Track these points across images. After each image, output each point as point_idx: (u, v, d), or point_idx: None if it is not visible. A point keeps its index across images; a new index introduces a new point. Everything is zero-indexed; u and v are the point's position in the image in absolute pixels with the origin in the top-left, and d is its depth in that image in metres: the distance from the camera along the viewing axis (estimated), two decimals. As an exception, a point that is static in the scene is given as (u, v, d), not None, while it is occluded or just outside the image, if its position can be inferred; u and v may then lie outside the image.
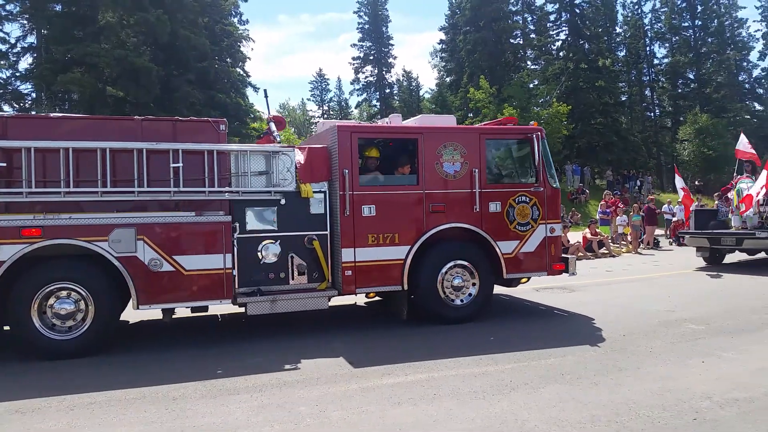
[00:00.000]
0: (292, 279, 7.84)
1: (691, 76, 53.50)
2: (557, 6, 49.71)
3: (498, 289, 9.64)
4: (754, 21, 57.19)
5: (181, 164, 7.22)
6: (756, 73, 56.62)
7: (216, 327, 9.01)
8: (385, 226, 8.15)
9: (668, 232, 24.19)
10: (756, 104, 56.15)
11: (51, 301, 6.92)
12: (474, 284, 8.63)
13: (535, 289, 10.98)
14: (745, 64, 55.10)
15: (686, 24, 53.45)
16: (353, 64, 62.92)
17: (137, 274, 7.01)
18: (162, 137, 7.32)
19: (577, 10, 48.90)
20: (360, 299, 9.89)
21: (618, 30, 55.41)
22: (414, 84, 66.51)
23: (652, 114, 57.37)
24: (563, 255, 9.48)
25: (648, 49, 55.88)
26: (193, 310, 7.87)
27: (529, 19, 54.23)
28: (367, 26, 61.82)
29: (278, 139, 9.01)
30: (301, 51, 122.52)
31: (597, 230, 19.29)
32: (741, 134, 16.93)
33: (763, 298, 10.35)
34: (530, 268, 8.91)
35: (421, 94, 65.19)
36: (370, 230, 8.09)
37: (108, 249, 6.92)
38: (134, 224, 7.04)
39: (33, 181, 6.75)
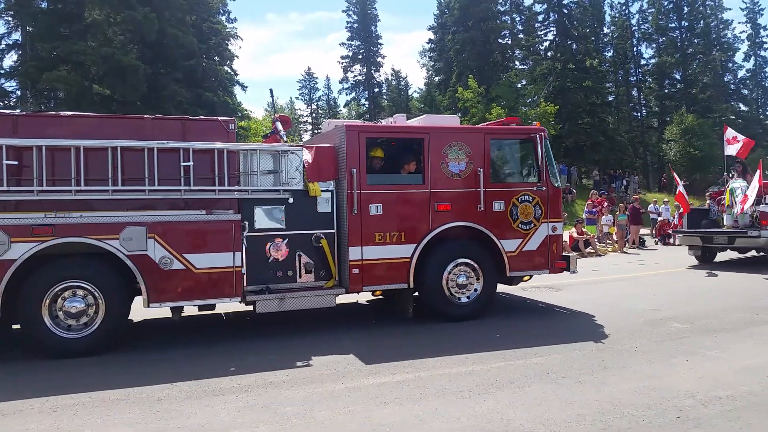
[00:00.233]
0: (300, 277, 7.90)
1: (678, 77, 54.00)
2: (545, 6, 49.94)
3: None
4: (739, 22, 57.88)
5: (191, 163, 7.23)
6: (741, 74, 57.49)
7: (214, 326, 8.90)
8: (391, 225, 8.23)
9: (653, 232, 24.39)
10: (741, 105, 56.89)
11: (62, 299, 6.88)
12: (478, 282, 8.70)
13: (522, 288, 11.00)
14: (730, 65, 55.82)
15: (673, 25, 53.92)
16: (342, 63, 62.88)
17: (148, 273, 7.00)
18: (171, 136, 7.31)
19: (565, 11, 49.21)
20: (362, 297, 9.90)
21: (605, 30, 55.80)
22: (403, 83, 66.60)
23: (639, 114, 57.84)
24: (564, 253, 9.60)
25: (635, 49, 56.34)
26: (201, 308, 7.87)
27: (518, 19, 54.52)
28: (356, 25, 61.73)
29: (285, 138, 9.05)
30: (290, 50, 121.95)
31: (583, 230, 19.40)
32: (726, 130, 17.14)
33: (748, 297, 10.46)
34: (533, 266, 9.00)
35: (409, 93, 65.26)
36: (377, 229, 8.15)
37: (119, 247, 6.91)
38: (145, 222, 7.02)
39: (44, 180, 6.72)
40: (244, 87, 47.20)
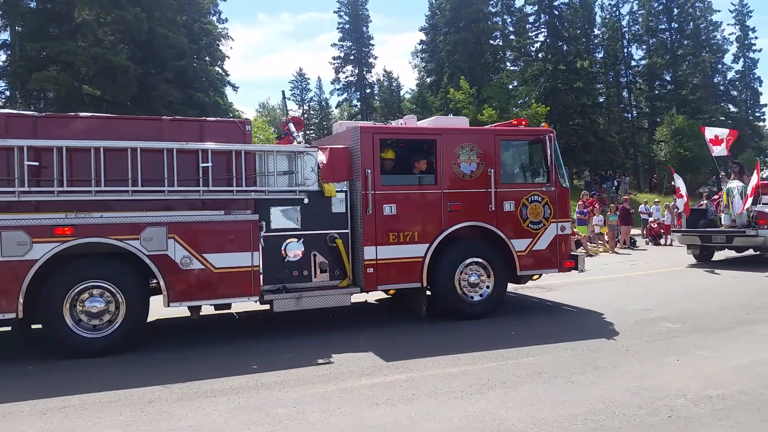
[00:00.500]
0: (315, 277, 8.02)
1: (668, 78, 54.30)
2: (536, 8, 50.08)
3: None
4: (728, 24, 58.21)
5: (210, 164, 7.31)
6: (730, 75, 57.84)
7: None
8: (405, 225, 8.35)
9: (644, 232, 24.51)
10: (731, 106, 57.25)
11: (82, 299, 6.94)
12: (489, 281, 8.83)
13: (513, 288, 11.03)
14: (720, 66, 56.15)
15: (663, 26, 54.20)
16: (334, 64, 62.70)
17: (168, 272, 7.08)
18: (189, 137, 7.42)
19: (556, 12, 49.36)
20: (371, 297, 10.04)
21: (596, 32, 56.02)
22: (395, 84, 66.47)
23: (630, 115, 58.11)
24: (572, 252, 9.73)
25: (625, 50, 56.59)
26: (217, 307, 7.94)
27: (509, 20, 54.63)
28: (347, 26, 61.64)
29: (298, 139, 9.15)
30: (281, 50, 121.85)
31: (574, 230, 19.44)
32: (704, 131, 17.41)
33: (738, 296, 10.55)
34: (542, 265, 9.16)
35: (401, 94, 65.20)
36: (390, 229, 8.27)
37: (140, 247, 6.97)
38: (166, 222, 7.10)
39: (64, 180, 6.77)
40: (235, 87, 47.05)
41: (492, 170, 8.75)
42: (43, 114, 7.33)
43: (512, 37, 53.37)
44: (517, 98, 44.81)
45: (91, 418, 5.04)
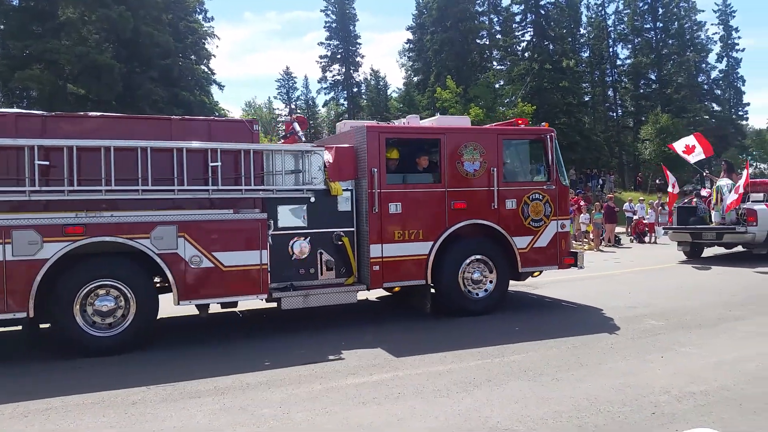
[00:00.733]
0: (321, 274, 8.08)
1: (653, 77, 54.83)
2: (523, 7, 50.32)
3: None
4: (712, 24, 58.81)
5: (219, 163, 7.33)
6: (714, 74, 58.49)
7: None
8: (410, 223, 8.42)
9: (629, 230, 24.69)
10: (714, 105, 57.89)
11: (93, 298, 6.94)
12: (492, 278, 8.93)
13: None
14: (704, 65, 56.76)
15: (648, 26, 54.77)
16: (320, 63, 62.40)
17: (178, 271, 7.11)
18: (197, 136, 7.41)
19: (543, 12, 49.66)
20: (372, 294, 10.11)
21: (582, 31, 56.49)
22: (382, 83, 66.42)
23: (615, 114, 58.63)
24: (572, 249, 9.85)
25: (611, 50, 57.12)
26: (223, 305, 7.96)
27: (495, 19, 54.80)
28: (334, 25, 61.42)
29: (303, 139, 9.22)
30: (268, 49, 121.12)
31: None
32: (673, 148, 17.73)
33: (721, 293, 10.63)
34: (543, 262, 9.28)
35: (388, 93, 65.20)
36: (396, 227, 8.34)
37: (150, 246, 6.99)
38: (176, 221, 7.12)
39: (75, 180, 6.75)
40: (221, 86, 46.99)
41: (494, 169, 8.86)
42: (52, 113, 7.32)
43: (499, 36, 53.61)
44: (503, 97, 44.97)
45: (74, 420, 4.98)
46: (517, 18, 51.70)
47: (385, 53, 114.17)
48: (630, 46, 56.17)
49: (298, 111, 70.74)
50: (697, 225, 16.07)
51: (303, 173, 7.95)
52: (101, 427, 4.81)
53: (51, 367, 6.58)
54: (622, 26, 56.30)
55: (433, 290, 8.93)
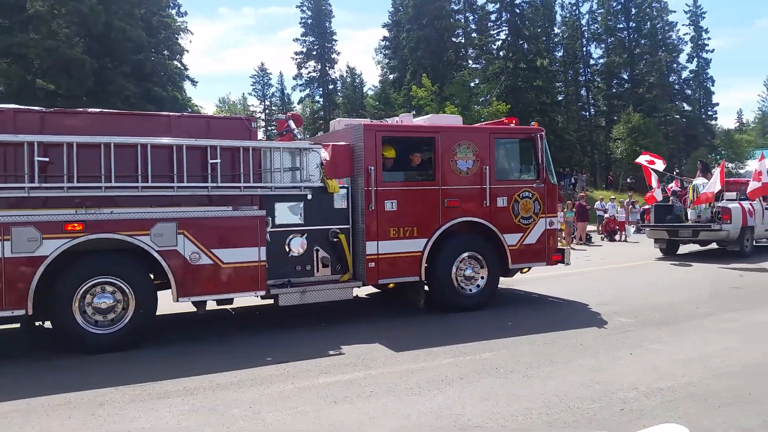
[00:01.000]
0: (317, 271, 8.16)
1: (625, 77, 55.65)
2: (498, 6, 50.64)
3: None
4: (683, 25, 59.84)
5: (218, 160, 7.34)
6: (685, 74, 59.52)
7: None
8: (405, 221, 8.52)
9: (600, 228, 25.01)
10: (685, 105, 58.94)
11: (91, 295, 6.90)
12: (483, 274, 9.09)
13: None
14: (675, 65, 57.72)
15: (621, 26, 55.52)
16: (296, 59, 61.78)
17: (177, 268, 7.11)
18: (196, 134, 7.42)
19: (518, 11, 50.02)
20: (362, 291, 10.15)
21: (556, 30, 56.99)
22: (358, 81, 66.21)
23: (587, 113, 59.33)
24: (559, 246, 10.07)
25: (584, 49, 57.76)
26: (219, 302, 8.00)
27: (471, 18, 55.04)
28: (310, 21, 60.96)
29: (299, 136, 9.25)
30: (243, 45, 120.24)
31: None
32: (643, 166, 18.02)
33: (690, 290, 10.86)
34: (532, 258, 9.47)
35: (364, 90, 65.05)
36: (391, 224, 8.44)
37: (150, 243, 6.97)
38: (176, 218, 7.11)
39: (75, 176, 6.69)
40: (194, 82, 46.26)
41: (487, 167, 9.00)
42: (51, 109, 7.21)
43: (474, 35, 53.85)
44: (478, 96, 45.25)
45: (38, 422, 4.86)
46: (493, 17, 52.02)
47: (361, 50, 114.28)
48: (603, 45, 56.95)
49: (273, 108, 70.31)
50: (673, 223, 16.45)
51: (301, 171, 8.00)
52: (67, 429, 4.72)
53: (24, 368, 6.47)
54: (596, 26, 56.99)
55: (427, 287, 9.02)
